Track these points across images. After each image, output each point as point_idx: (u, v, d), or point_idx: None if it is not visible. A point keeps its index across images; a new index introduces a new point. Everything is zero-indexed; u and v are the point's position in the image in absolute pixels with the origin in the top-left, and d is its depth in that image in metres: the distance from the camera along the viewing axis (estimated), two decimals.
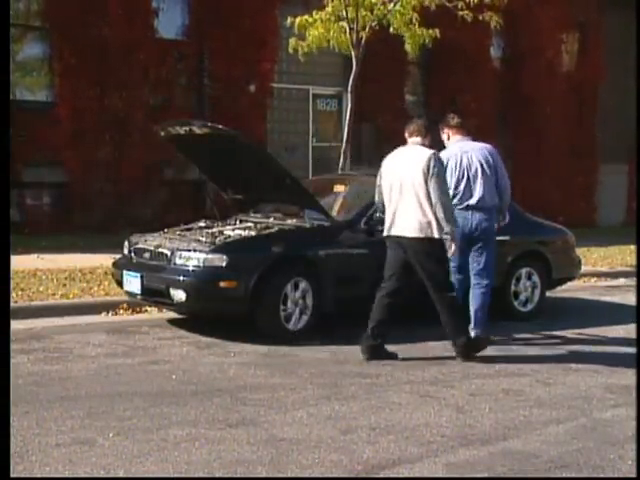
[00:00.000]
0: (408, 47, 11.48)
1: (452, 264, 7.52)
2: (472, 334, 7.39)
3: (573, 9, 19.55)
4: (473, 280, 7.58)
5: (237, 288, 7.49)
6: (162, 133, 8.71)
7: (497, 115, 18.08)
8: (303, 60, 11.65)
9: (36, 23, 13.96)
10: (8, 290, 6.73)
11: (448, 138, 7.83)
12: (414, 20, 11.26)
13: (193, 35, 15.16)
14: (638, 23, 18.52)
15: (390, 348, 7.39)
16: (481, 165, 7.61)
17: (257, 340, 7.47)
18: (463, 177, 7.60)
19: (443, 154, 7.40)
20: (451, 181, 7.47)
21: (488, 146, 7.79)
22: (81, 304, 8.64)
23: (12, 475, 4.29)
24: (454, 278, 7.64)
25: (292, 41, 11.47)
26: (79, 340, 7.37)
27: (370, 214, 8.06)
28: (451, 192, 7.32)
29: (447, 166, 7.38)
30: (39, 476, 4.35)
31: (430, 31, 11.32)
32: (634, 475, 4.64)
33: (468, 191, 7.57)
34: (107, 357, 6.83)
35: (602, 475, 4.62)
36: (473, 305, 7.54)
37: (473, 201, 7.55)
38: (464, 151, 7.66)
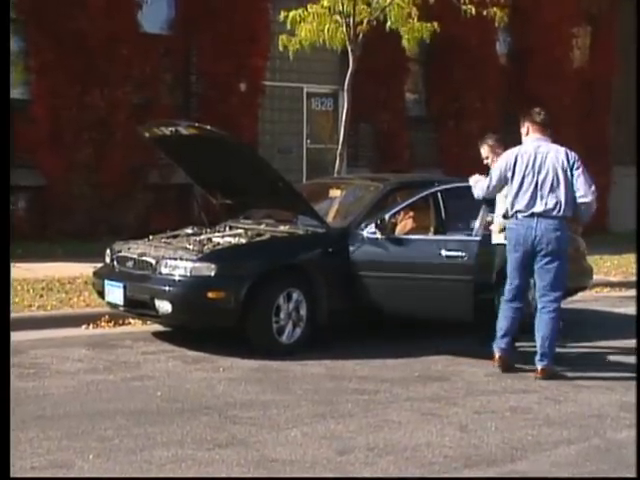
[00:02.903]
0: (405, 42, 11.49)
1: (507, 286, 7.23)
2: (539, 367, 7.11)
3: (584, 2, 19.61)
4: (539, 303, 7.16)
5: (226, 299, 7.49)
6: (146, 134, 8.71)
7: (503, 115, 18.10)
8: (293, 58, 11.66)
9: (11, 15, 13.96)
10: (8, 300, 6.77)
11: (527, 133, 7.49)
12: (413, 14, 11.28)
13: (179, 29, 15.17)
14: (638, 22, 18.59)
15: (388, 362, 7.41)
16: (555, 169, 7.21)
17: (248, 354, 7.46)
18: (533, 180, 7.19)
19: (514, 150, 7.33)
20: (515, 181, 7.23)
21: (566, 149, 7.44)
22: (59, 316, 8.63)
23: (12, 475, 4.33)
24: (507, 306, 7.25)
25: (282, 38, 11.48)
26: (57, 355, 7.36)
27: (368, 220, 8.07)
28: (511, 194, 7.21)
29: (515, 163, 7.24)
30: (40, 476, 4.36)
31: (428, 25, 11.32)
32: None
33: (535, 196, 7.17)
34: (87, 373, 6.82)
35: None
36: (540, 332, 7.10)
37: (540, 208, 7.13)
38: (539, 151, 7.31)
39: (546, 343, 7.10)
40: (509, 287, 7.26)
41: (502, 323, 7.28)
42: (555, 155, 7.30)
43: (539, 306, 7.19)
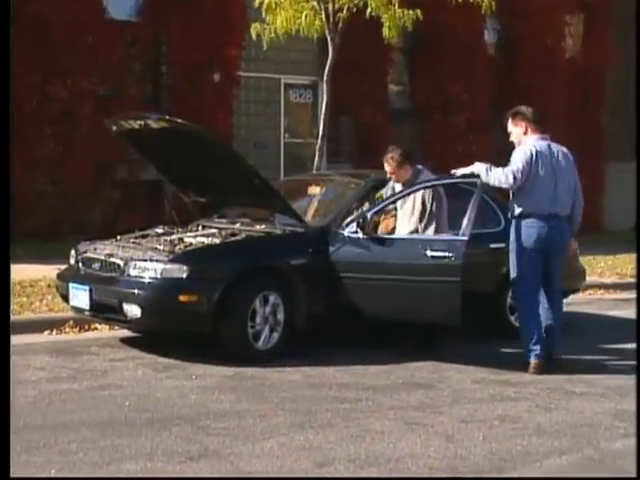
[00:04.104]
0: (386, 31, 11.49)
1: (524, 290, 7.65)
2: (537, 361, 7.56)
3: None
4: (548, 301, 7.72)
5: (199, 302, 7.50)
6: (114, 127, 8.69)
7: (491, 107, 18.19)
8: (269, 47, 11.66)
9: None
10: (8, 304, 6.82)
11: (525, 132, 7.76)
12: (394, 0, 11.30)
13: (149, 16, 15.13)
14: (637, 11, 18.71)
15: (371, 369, 7.43)
16: (567, 170, 7.69)
17: (222, 361, 7.47)
18: (552, 180, 7.59)
19: (530, 146, 7.56)
20: (534, 180, 7.53)
21: (565, 149, 7.85)
22: (21, 321, 8.59)
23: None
24: (533, 309, 7.66)
25: (256, 25, 11.48)
26: (18, 363, 7.32)
27: (349, 219, 8.09)
28: (527, 193, 7.50)
29: (534, 160, 7.51)
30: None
31: (411, 12, 11.34)
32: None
33: (554, 197, 7.59)
34: (50, 382, 6.80)
35: None
36: (550, 328, 7.70)
37: (557, 209, 7.60)
38: (552, 151, 7.67)
39: (554, 339, 7.66)
40: (528, 289, 7.64)
41: (532, 327, 7.60)
42: (564, 155, 7.74)
43: (547, 304, 7.68)
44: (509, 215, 7.92)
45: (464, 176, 7.82)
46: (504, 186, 7.64)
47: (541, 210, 7.55)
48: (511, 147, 7.90)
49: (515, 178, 7.49)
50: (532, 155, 7.56)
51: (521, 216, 7.63)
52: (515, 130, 7.81)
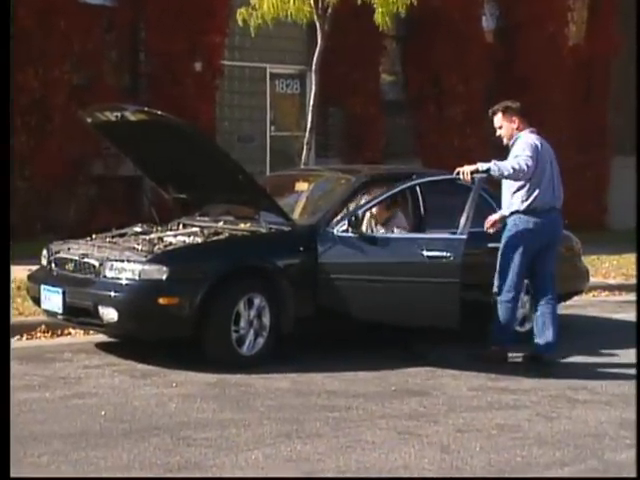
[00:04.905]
0: (378, 17, 11.50)
1: (513, 282, 7.94)
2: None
3: None
4: (542, 293, 8.12)
5: (180, 305, 7.50)
6: (89, 119, 8.69)
7: (489, 98, 18.20)
8: (255, 34, 11.66)
9: None
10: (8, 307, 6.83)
11: (518, 128, 8.06)
12: None
13: (126, 0, 15.12)
14: (638, 16, 18.77)
15: (361, 375, 7.44)
16: (555, 161, 8.10)
17: (204, 368, 7.47)
18: (552, 174, 8.00)
19: (533, 139, 7.89)
20: (539, 174, 7.87)
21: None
22: None
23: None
24: (511, 300, 8.00)
25: (242, 11, 11.49)
26: None
27: (339, 217, 8.11)
28: (531, 187, 7.82)
29: (538, 154, 7.83)
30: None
31: None
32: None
33: (553, 190, 8.00)
34: (20, 391, 6.77)
35: None
36: (543, 318, 8.12)
37: (557, 202, 8.06)
38: (545, 145, 8.03)
39: (550, 330, 8.02)
40: (516, 282, 7.93)
41: (506, 317, 8.04)
42: (551, 148, 8.12)
43: (543, 298, 8.09)
44: (506, 210, 7.98)
45: (472, 172, 7.82)
46: (519, 176, 7.79)
47: (545, 204, 7.92)
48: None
49: (528, 166, 7.73)
50: (537, 148, 7.87)
51: (526, 211, 7.90)
52: (507, 125, 8.07)
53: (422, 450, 5.70)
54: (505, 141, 8.15)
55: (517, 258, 7.92)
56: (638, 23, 18.84)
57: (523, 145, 7.88)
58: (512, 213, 7.96)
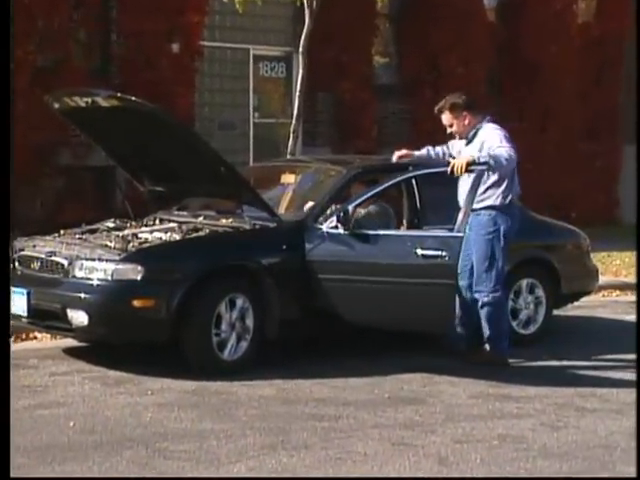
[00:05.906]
0: None
1: (494, 276, 8.05)
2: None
3: None
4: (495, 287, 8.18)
5: (156, 308, 7.51)
6: (56, 105, 8.69)
7: (490, 82, 18.26)
8: (242, 11, 11.67)
9: None
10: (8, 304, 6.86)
11: (469, 123, 8.20)
12: None
13: None
14: (638, 13, 18.81)
15: (352, 382, 7.47)
16: None
17: (182, 374, 7.49)
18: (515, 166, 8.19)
19: (496, 130, 8.07)
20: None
21: None
22: None
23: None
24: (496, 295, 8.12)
25: None
26: None
27: (328, 212, 8.13)
28: (508, 181, 8.05)
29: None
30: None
31: None
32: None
33: (515, 182, 8.23)
34: None
35: None
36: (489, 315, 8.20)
37: (519, 193, 8.37)
38: (508, 137, 8.12)
39: (501, 327, 8.18)
40: (501, 280, 8.10)
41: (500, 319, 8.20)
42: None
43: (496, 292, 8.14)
44: (484, 204, 8.01)
45: (468, 164, 7.81)
46: (511, 167, 7.94)
47: (515, 196, 8.21)
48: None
49: (514, 157, 7.89)
50: (508, 138, 8.04)
51: (504, 206, 8.04)
52: (457, 123, 8.23)
53: (418, 462, 5.73)
54: (458, 138, 8.29)
55: (500, 255, 8.02)
56: (638, 11, 18.89)
57: (495, 137, 8.00)
58: (485, 208, 8.02)
